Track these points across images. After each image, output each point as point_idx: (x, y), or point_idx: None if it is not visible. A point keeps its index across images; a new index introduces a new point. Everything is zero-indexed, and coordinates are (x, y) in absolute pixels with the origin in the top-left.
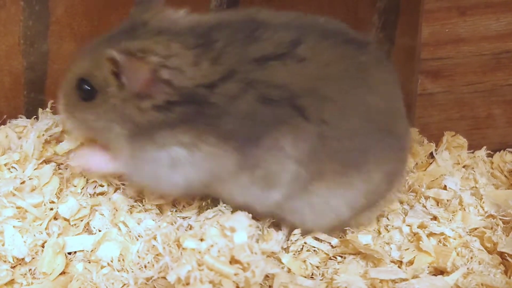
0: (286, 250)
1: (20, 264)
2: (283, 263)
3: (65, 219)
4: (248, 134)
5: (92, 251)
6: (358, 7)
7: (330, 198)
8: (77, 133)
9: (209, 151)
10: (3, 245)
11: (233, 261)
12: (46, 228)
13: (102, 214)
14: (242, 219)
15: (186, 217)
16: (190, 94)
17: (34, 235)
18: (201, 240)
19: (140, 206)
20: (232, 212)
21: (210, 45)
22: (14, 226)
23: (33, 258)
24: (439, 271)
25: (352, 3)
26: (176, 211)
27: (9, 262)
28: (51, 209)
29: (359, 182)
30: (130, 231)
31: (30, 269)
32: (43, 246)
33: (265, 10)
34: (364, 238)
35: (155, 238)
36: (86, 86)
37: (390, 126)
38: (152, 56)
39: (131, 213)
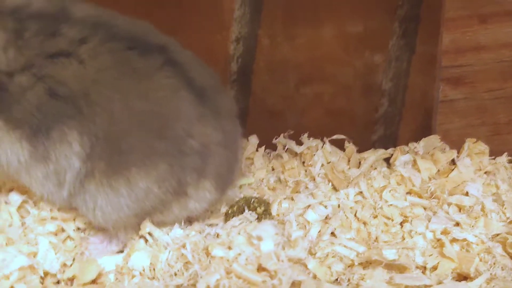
0: (313, 256)
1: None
2: (308, 269)
3: None
4: (38, 125)
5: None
6: (379, 15)
7: (97, 198)
8: None
9: None
10: (35, 256)
11: (260, 269)
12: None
13: None
14: (268, 228)
15: (213, 224)
16: None
17: (67, 253)
18: (229, 248)
19: None
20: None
21: (21, 34)
22: (50, 242)
23: (64, 271)
24: (463, 277)
25: (373, 11)
26: (204, 218)
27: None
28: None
29: (120, 186)
30: (157, 241)
31: (62, 278)
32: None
33: (84, 4)
34: (388, 252)
35: (184, 247)
36: None
37: (163, 129)
38: None
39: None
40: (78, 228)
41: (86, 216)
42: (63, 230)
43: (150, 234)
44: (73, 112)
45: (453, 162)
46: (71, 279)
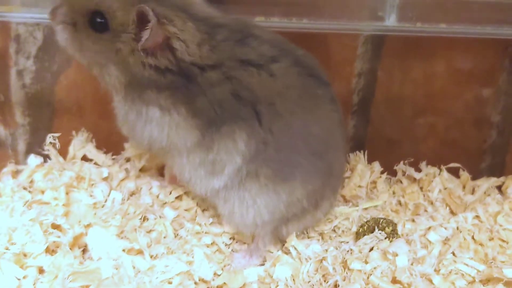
0: (437, 272)
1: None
2: (433, 284)
3: None
4: (214, 119)
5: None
6: (490, 52)
7: (257, 197)
8: (67, 49)
9: (177, 119)
10: (191, 265)
11: (395, 281)
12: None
13: None
14: (402, 245)
15: (344, 241)
16: (185, 68)
17: (217, 264)
18: (366, 262)
19: (304, 233)
20: None
21: (213, 36)
22: (204, 253)
23: (214, 279)
24: None
25: (485, 49)
26: (335, 236)
27: (195, 281)
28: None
29: (283, 192)
30: (300, 254)
31: (213, 286)
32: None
33: (258, 25)
34: (508, 271)
35: (325, 260)
36: (100, 19)
37: (323, 153)
38: (171, 26)
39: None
40: (225, 244)
41: (226, 215)
42: (213, 243)
43: (294, 247)
44: (249, 116)
45: None
46: (221, 287)
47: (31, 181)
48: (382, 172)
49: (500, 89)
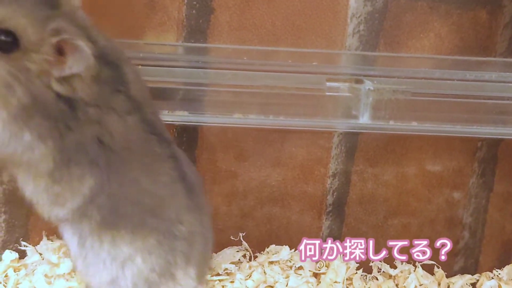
0: None
1: None
2: None
3: None
4: (72, 157)
5: None
6: (459, 157)
7: (88, 238)
8: None
9: (43, 150)
10: None
11: None
12: None
13: None
14: None
15: None
16: (73, 100)
17: None
18: None
19: None
20: None
21: (100, 74)
22: None
23: None
24: None
25: (454, 153)
26: None
27: None
28: None
29: (106, 241)
30: None
31: None
32: None
33: (131, 64)
34: None
35: None
36: (6, 38)
37: (157, 211)
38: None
39: None
40: None
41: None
42: None
43: None
44: (102, 162)
45: None
46: None
47: (6, 276)
48: (357, 269)
49: (470, 192)
